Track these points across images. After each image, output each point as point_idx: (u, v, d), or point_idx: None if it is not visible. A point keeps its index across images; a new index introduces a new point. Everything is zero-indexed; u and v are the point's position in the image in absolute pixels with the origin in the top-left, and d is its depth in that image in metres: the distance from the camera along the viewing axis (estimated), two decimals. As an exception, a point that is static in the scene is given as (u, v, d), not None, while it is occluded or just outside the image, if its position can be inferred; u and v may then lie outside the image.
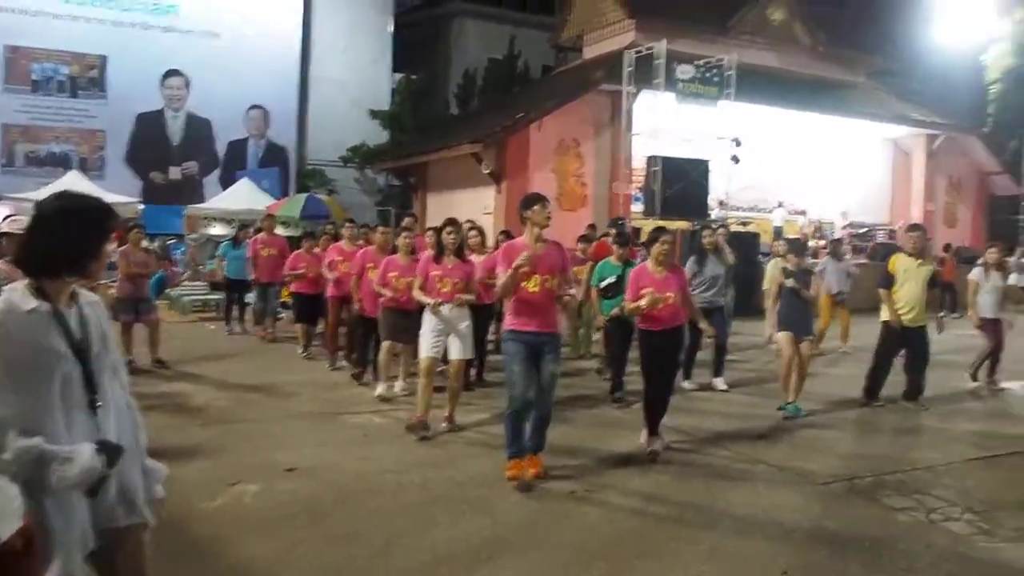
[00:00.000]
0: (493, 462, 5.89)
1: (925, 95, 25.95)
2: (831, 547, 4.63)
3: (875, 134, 23.28)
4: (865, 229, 22.97)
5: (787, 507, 5.24)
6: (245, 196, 19.31)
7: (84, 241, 2.49)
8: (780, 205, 21.84)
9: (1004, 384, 9.51)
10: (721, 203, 18.96)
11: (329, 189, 24.46)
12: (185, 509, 4.85)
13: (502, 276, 5.68)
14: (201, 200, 21.00)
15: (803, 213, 22.55)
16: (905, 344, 8.28)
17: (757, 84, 19.05)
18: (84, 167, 22.03)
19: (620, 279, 7.97)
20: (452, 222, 7.21)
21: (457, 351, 6.94)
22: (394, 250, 8.44)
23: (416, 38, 28.77)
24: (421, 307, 7.11)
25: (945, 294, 17.23)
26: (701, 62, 17.94)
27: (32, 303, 2.41)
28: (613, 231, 9.86)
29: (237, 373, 9.39)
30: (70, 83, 23.13)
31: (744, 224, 19.25)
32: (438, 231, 7.21)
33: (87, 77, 23.24)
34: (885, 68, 25.07)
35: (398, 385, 8.43)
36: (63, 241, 2.46)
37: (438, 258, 7.06)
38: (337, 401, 8.21)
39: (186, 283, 16.57)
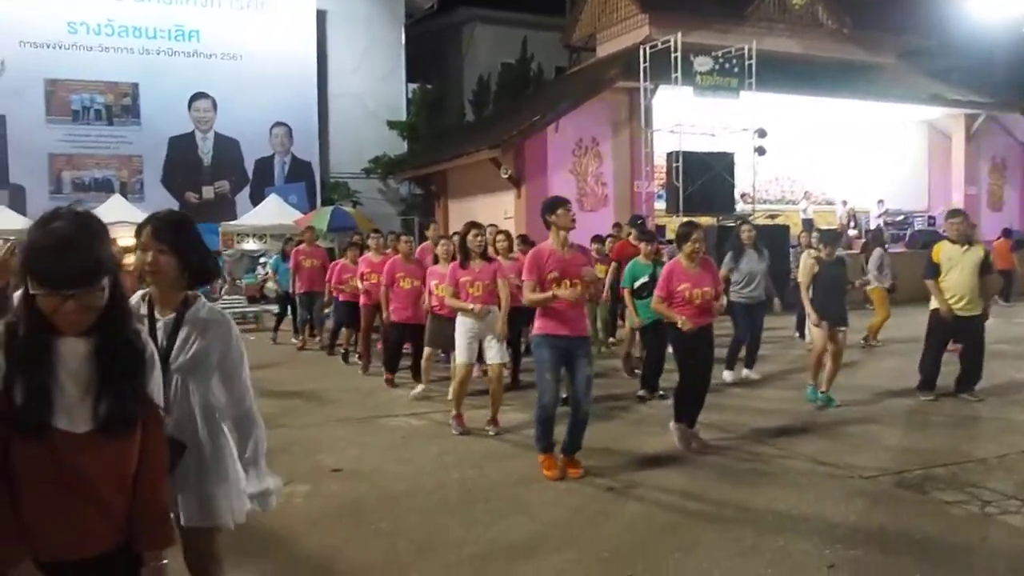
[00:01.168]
0: (529, 461, 5.92)
1: (962, 73, 25.09)
2: (879, 542, 4.50)
3: (909, 117, 22.63)
4: (902, 217, 22.51)
5: (830, 501, 5.13)
6: (274, 211, 19.62)
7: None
8: (806, 196, 21.56)
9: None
10: (743, 196, 18.76)
11: (354, 201, 24.71)
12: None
13: (528, 286, 5.68)
14: (234, 217, 21.33)
15: (843, 203, 22.08)
16: (957, 334, 8.03)
17: (780, 72, 18.83)
18: (125, 191, 22.62)
19: (652, 278, 7.99)
20: (476, 225, 7.30)
21: (494, 355, 7.01)
22: (435, 260, 8.63)
23: (428, 47, 28.87)
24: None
25: (1004, 281, 16.84)
26: (719, 53, 17.74)
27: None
28: (634, 230, 9.83)
29: (278, 381, 9.54)
30: (106, 111, 23.71)
31: (772, 217, 19.10)
32: (462, 236, 7.27)
33: (121, 105, 23.81)
34: (917, 47, 24.40)
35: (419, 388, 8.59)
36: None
37: (464, 263, 7.15)
38: (375, 405, 8.33)
39: (225, 297, 16.91)
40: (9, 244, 3.42)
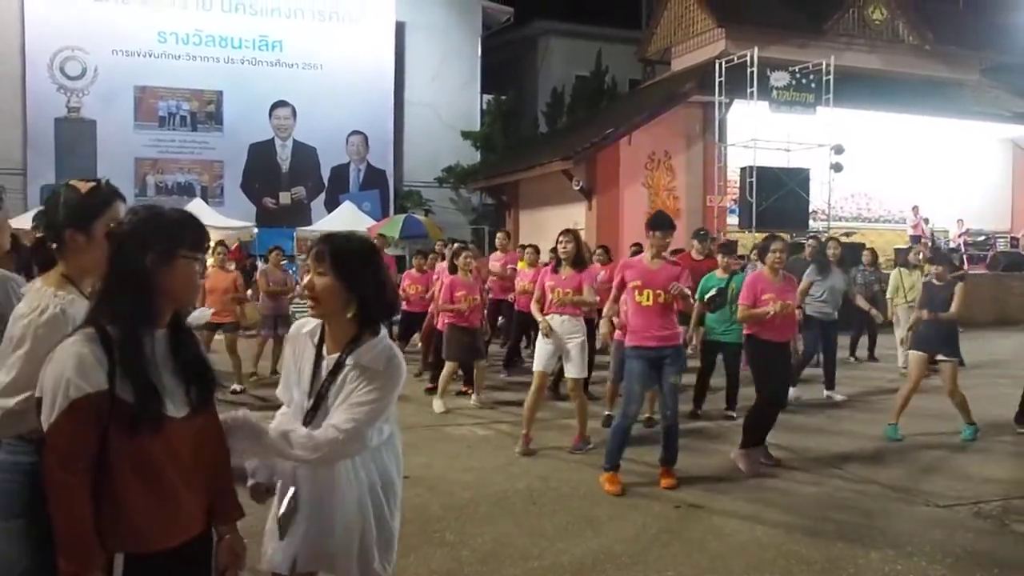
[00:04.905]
0: (595, 474, 5.93)
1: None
2: (956, 572, 4.42)
3: (991, 135, 21.89)
4: (983, 237, 21.82)
5: (904, 529, 5.04)
6: (348, 218, 19.96)
7: None
8: (914, 211, 20.53)
9: None
10: (813, 213, 18.37)
11: (426, 209, 25.01)
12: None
13: (614, 291, 6.06)
14: (309, 223, 21.85)
15: (925, 221, 21.34)
16: None
17: (858, 88, 18.50)
18: (206, 195, 23.41)
19: (724, 291, 7.91)
20: (566, 232, 7.16)
21: (570, 369, 6.82)
22: (454, 269, 8.79)
23: (504, 59, 29.12)
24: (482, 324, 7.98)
25: None
26: (796, 68, 17.56)
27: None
28: (696, 242, 9.73)
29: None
30: (191, 118, 24.59)
31: (848, 235, 18.70)
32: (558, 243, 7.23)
33: (205, 112, 24.66)
34: (1001, 64, 23.68)
35: (474, 399, 8.70)
36: None
37: (556, 268, 7.04)
38: (441, 415, 8.37)
39: (297, 301, 17.18)
40: None
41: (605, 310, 6.87)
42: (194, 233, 2.18)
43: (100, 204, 2.44)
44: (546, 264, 7.93)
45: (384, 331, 2.51)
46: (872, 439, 7.39)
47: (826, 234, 17.54)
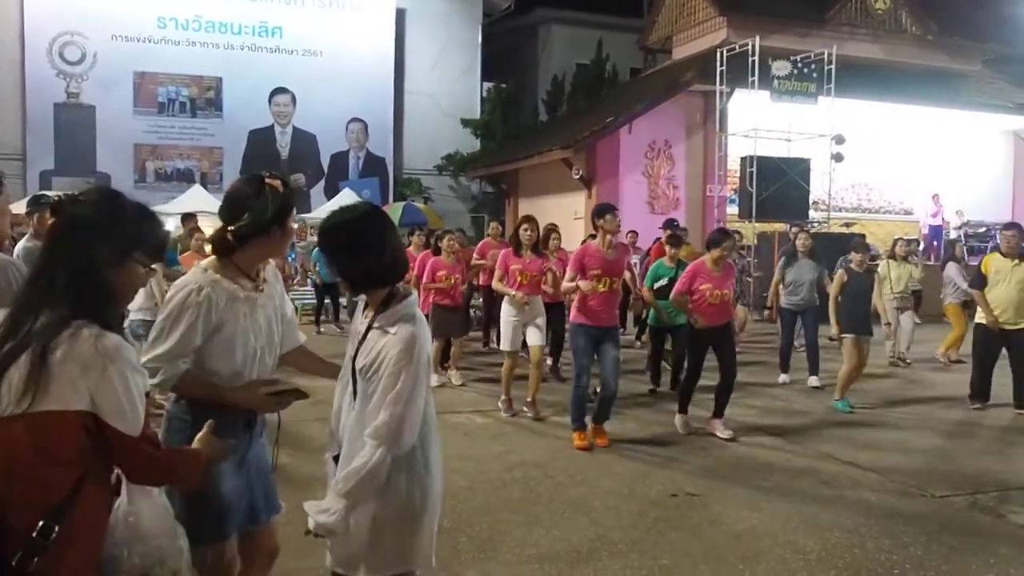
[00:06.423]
0: (591, 463, 5.94)
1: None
2: (952, 562, 4.42)
3: (993, 126, 21.83)
4: (984, 228, 21.76)
5: (902, 519, 5.05)
6: (347, 206, 19.94)
7: None
8: (934, 200, 20.38)
9: None
10: (813, 204, 18.34)
11: (425, 197, 25.01)
12: (295, 503, 5.08)
13: (568, 276, 6.55)
14: (308, 210, 21.82)
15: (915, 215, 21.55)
16: (1007, 347, 8.06)
17: (860, 78, 18.46)
18: (205, 181, 23.32)
19: (672, 281, 7.99)
20: (528, 219, 7.91)
21: (535, 338, 7.62)
22: (438, 251, 9.26)
23: (504, 47, 29.05)
24: (468, 302, 8.60)
25: None
26: (797, 57, 17.49)
27: None
28: (667, 232, 9.83)
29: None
30: (190, 104, 24.59)
31: (848, 225, 18.71)
32: (515, 228, 7.96)
33: (205, 98, 24.66)
34: (1003, 54, 23.58)
35: (453, 376, 9.12)
36: None
37: (517, 252, 7.74)
38: (438, 402, 8.32)
39: (297, 287, 17.21)
40: None
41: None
42: (155, 239, 2.06)
43: (292, 204, 2.67)
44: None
45: (413, 295, 2.67)
46: (868, 428, 7.43)
47: (826, 224, 17.65)
